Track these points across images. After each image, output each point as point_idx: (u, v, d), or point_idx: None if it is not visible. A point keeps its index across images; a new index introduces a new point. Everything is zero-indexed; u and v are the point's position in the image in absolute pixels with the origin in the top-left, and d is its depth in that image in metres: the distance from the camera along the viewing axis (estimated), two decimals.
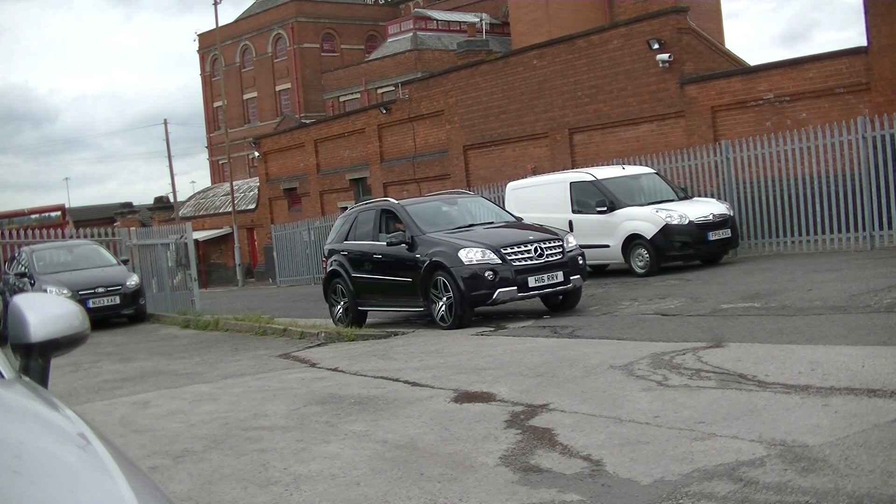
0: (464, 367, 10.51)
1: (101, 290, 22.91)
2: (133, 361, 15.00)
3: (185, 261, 24.03)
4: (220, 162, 79.31)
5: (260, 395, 10.24)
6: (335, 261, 17.99)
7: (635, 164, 23.49)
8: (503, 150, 33.82)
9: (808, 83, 24.69)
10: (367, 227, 17.48)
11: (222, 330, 18.73)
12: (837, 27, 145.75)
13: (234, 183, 56.21)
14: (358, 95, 69.37)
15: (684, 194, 21.16)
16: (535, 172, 28.95)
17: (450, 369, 10.49)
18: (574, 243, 15.75)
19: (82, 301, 21.36)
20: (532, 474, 5.88)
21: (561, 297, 15.77)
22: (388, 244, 16.38)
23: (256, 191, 54.48)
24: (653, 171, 22.24)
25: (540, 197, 22.25)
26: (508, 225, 16.63)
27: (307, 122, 54.62)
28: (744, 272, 16.99)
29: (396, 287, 16.37)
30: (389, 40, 71.59)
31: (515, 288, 14.71)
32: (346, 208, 38.24)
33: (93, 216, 62.95)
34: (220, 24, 61.24)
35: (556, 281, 15.05)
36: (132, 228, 30.52)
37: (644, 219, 19.80)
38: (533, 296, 15.28)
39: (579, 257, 15.57)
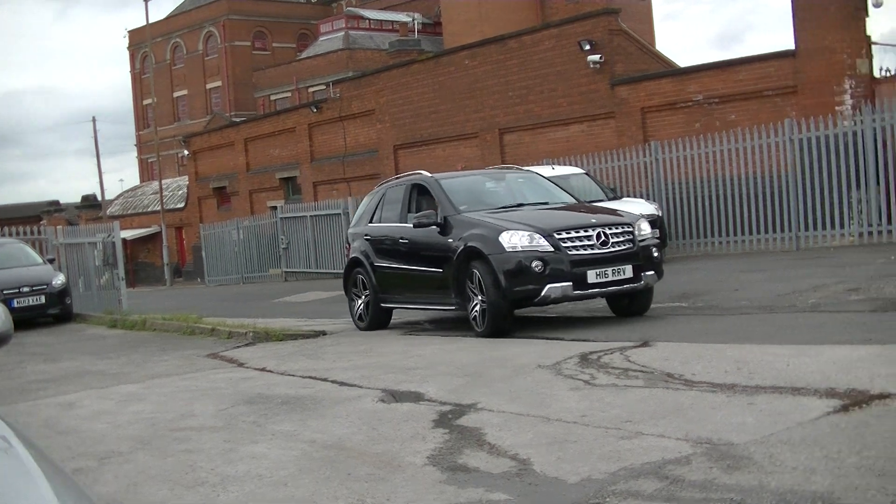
0: (393, 367, 10.48)
1: (25, 289, 22.51)
2: (59, 362, 14.78)
3: (113, 260, 23.75)
4: (150, 160, 78.55)
5: (187, 395, 10.14)
6: (357, 247, 15.44)
7: (565, 165, 23.58)
8: (434, 150, 33.82)
9: (737, 85, 24.96)
10: (395, 207, 14.76)
11: (150, 330, 18.52)
12: (771, 30, 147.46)
13: (164, 181, 55.73)
14: (289, 94, 69.17)
15: (613, 195, 21.26)
16: None
17: (379, 369, 10.45)
18: (648, 231, 12.72)
19: (6, 301, 21.00)
20: (460, 474, 5.87)
21: (628, 298, 12.84)
22: (416, 225, 13.50)
23: (186, 189, 54.10)
24: (583, 171, 22.33)
25: None
26: (567, 207, 13.70)
27: (238, 120, 54.35)
28: (672, 272, 17.12)
29: (425, 279, 13.64)
30: (321, 39, 71.41)
31: (571, 284, 11.79)
32: (275, 208, 38.26)
33: (19, 214, 62.05)
34: (150, 21, 60.70)
35: (623, 277, 12.05)
36: (59, 227, 30.18)
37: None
38: (593, 294, 12.30)
39: (654, 248, 12.57)
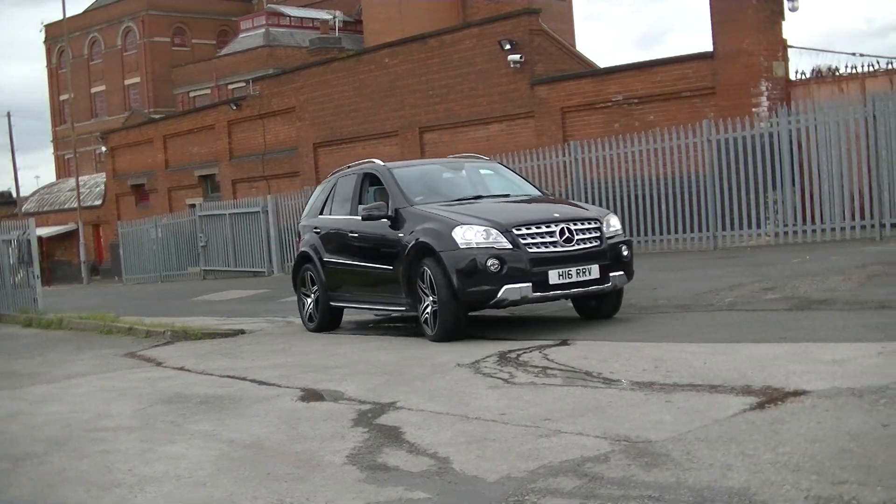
0: (312, 366, 10.44)
1: None
2: None
3: (28, 258, 23.35)
4: (66, 157, 77.50)
5: (105, 396, 10.02)
6: (306, 241, 14.48)
7: None
8: (353, 148, 33.67)
9: (656, 86, 25.16)
10: (346, 198, 13.76)
11: (66, 329, 18.26)
12: (691, 32, 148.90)
13: (81, 178, 55.06)
14: (209, 91, 68.63)
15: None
16: None
17: (298, 368, 10.40)
18: (617, 226, 11.86)
19: None
20: (379, 473, 5.86)
21: (595, 300, 11.86)
22: (365, 218, 12.55)
23: (103, 187, 53.51)
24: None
25: None
26: (529, 200, 12.86)
27: (156, 117, 53.89)
28: None
29: (375, 277, 12.67)
30: (241, 36, 70.93)
31: (530, 285, 10.77)
32: (194, 206, 37.94)
33: None
34: (68, 16, 59.89)
35: (588, 277, 11.04)
36: None
37: None
38: (555, 297, 11.23)
39: (623, 246, 11.61)
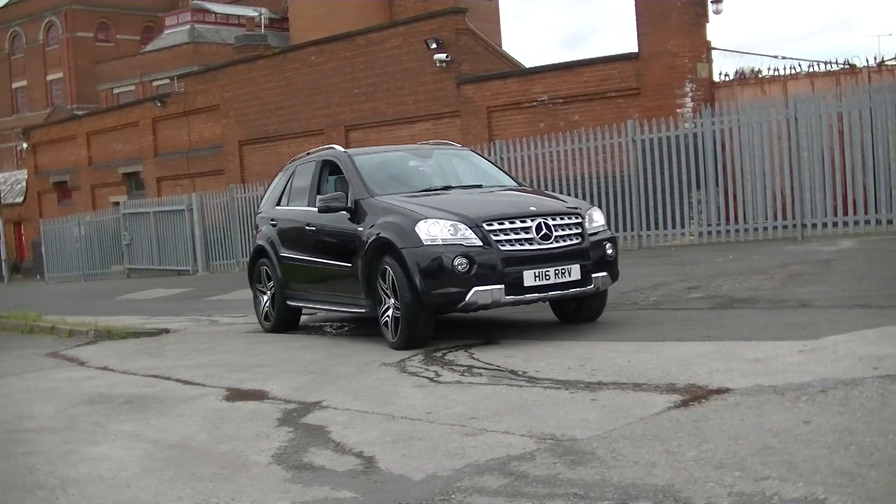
0: (237, 365, 10.38)
1: None
2: None
3: None
4: None
5: (26, 396, 9.88)
6: (263, 234, 13.57)
7: None
8: (279, 146, 33.51)
9: (581, 86, 25.30)
10: (304, 187, 12.76)
11: None
12: (617, 33, 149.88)
13: (1, 175, 54.23)
14: (133, 88, 68.02)
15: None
16: None
17: (223, 367, 10.34)
18: (601, 222, 10.79)
19: None
20: (305, 472, 5.83)
21: (576, 303, 10.90)
22: (321, 210, 11.46)
23: (24, 184, 52.73)
24: None
25: None
26: (504, 191, 11.75)
27: (80, 113, 53.15)
28: None
29: (333, 275, 11.71)
30: (166, 32, 70.39)
31: (503, 287, 9.71)
32: (118, 203, 37.56)
33: None
34: None
35: (568, 279, 9.98)
36: None
37: None
38: (531, 300, 10.11)
39: (607, 244, 10.52)
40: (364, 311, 11.14)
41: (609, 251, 10.49)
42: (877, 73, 21.17)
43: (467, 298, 9.73)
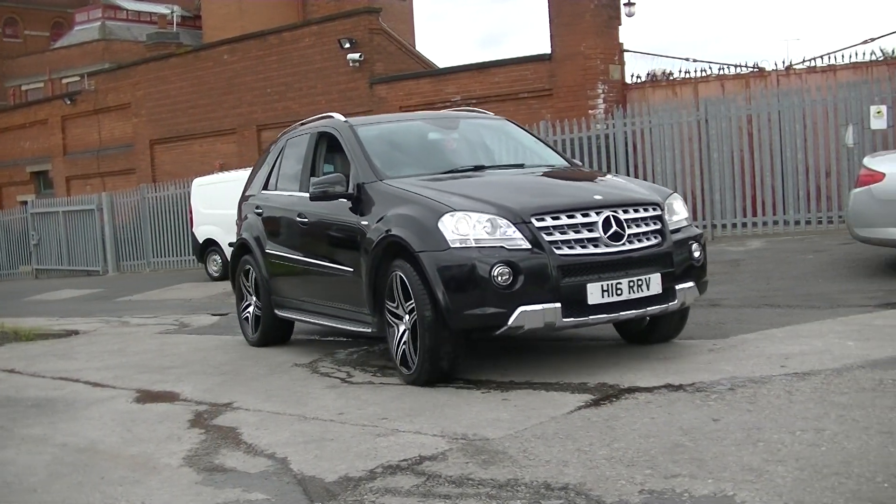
0: (148, 367, 10.26)
1: None
2: None
3: None
4: None
5: None
6: (247, 224, 11.27)
7: None
8: (191, 146, 33.26)
9: (494, 87, 25.39)
10: (296, 167, 10.37)
11: None
12: (533, 34, 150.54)
13: None
14: (42, 84, 66.86)
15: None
16: (222, 169, 28.58)
17: (133, 369, 10.21)
18: (684, 214, 8.32)
19: None
20: (217, 474, 5.78)
21: (649, 319, 8.29)
22: (314, 197, 8.97)
23: None
24: None
25: (227, 194, 21.96)
26: (555, 173, 9.13)
27: None
28: None
29: (330, 282, 9.31)
30: (76, 28, 69.34)
31: (559, 306, 7.21)
32: (26, 202, 36.98)
33: None
34: None
35: (645, 293, 7.52)
36: None
37: None
38: (596, 321, 7.54)
39: (694, 244, 8.03)
40: (370, 329, 8.55)
41: (696, 254, 8.03)
42: (785, 77, 21.51)
43: (510, 321, 7.18)
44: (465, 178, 8.67)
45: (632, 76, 23.72)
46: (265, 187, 11.15)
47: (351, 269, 8.72)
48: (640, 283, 7.50)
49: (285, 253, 10.24)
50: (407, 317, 7.78)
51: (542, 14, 24.22)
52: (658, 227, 7.81)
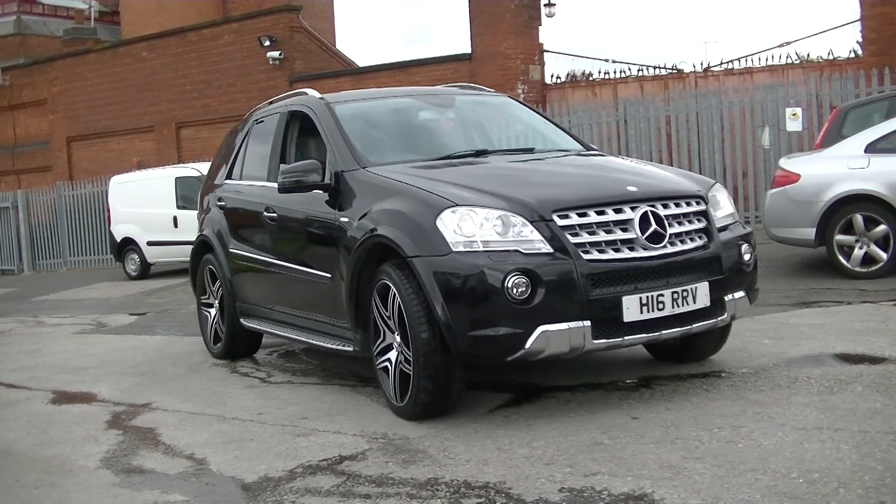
0: (64, 367, 10.13)
1: None
2: None
3: None
4: None
5: None
6: (209, 219, 9.85)
7: None
8: (109, 143, 32.89)
9: (415, 86, 25.38)
10: (265, 152, 8.90)
11: None
12: (455, 33, 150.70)
13: None
14: None
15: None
16: (140, 167, 28.31)
17: (49, 369, 10.07)
18: (730, 208, 6.95)
19: None
20: (135, 476, 5.73)
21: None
22: (284, 188, 7.50)
23: None
24: None
25: (145, 192, 21.82)
26: (571, 159, 7.67)
27: None
28: None
29: (303, 289, 7.90)
30: None
31: (588, 324, 5.84)
32: None
33: None
34: None
35: (691, 307, 6.17)
36: None
37: None
38: (633, 342, 6.17)
39: (743, 245, 6.66)
40: (351, 348, 7.12)
41: (747, 256, 6.67)
42: (703, 79, 21.74)
43: (528, 344, 5.75)
44: (467, 165, 7.32)
45: (552, 76, 23.86)
46: (229, 176, 9.73)
47: (328, 275, 7.28)
48: (685, 294, 6.13)
49: (251, 253, 8.81)
50: (398, 337, 6.38)
51: (463, 14, 24.27)
52: (703, 224, 6.51)
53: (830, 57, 21.08)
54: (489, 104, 9.02)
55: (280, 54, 28.12)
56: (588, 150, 8.23)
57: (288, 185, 7.46)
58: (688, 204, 6.50)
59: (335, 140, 7.60)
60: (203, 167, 21.24)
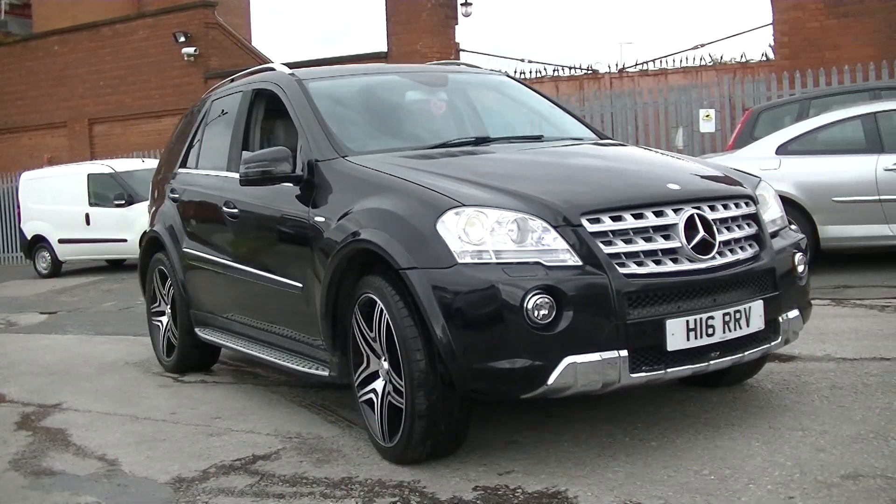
0: None
1: None
2: None
3: None
4: None
5: None
6: (161, 213, 8.66)
7: (157, 158, 23.22)
8: (19, 139, 32.41)
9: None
10: (225, 137, 7.71)
11: None
12: (372, 31, 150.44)
13: None
14: None
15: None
16: (51, 163, 27.93)
17: None
18: (779, 210, 5.86)
19: None
20: (45, 477, 5.64)
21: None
22: (246, 180, 6.22)
23: None
24: None
25: (56, 189, 21.53)
26: (591, 149, 6.51)
27: None
28: None
29: (268, 300, 6.77)
30: None
31: (625, 353, 4.69)
32: None
33: None
34: None
35: (744, 330, 5.06)
36: None
37: None
38: (677, 374, 4.94)
39: (797, 254, 5.59)
40: (327, 373, 5.88)
41: (800, 268, 5.61)
42: (618, 79, 21.97)
43: (552, 380, 4.67)
44: (469, 155, 6.18)
45: None
46: (184, 164, 8.57)
47: (299, 285, 6.11)
48: (737, 315, 5.03)
49: (208, 255, 7.66)
50: (386, 363, 5.24)
51: (380, 12, 24.30)
52: (754, 230, 5.41)
53: (743, 60, 21.42)
54: (486, 84, 7.85)
55: (195, 50, 27.95)
56: (602, 138, 7.13)
57: (251, 177, 6.19)
58: (737, 206, 5.38)
59: (309, 123, 6.39)
60: (117, 164, 21.09)
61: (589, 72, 22.75)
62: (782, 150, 11.36)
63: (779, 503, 4.26)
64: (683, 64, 22.08)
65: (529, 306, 4.57)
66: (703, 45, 26.93)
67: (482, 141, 6.49)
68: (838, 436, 5.08)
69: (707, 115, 18.19)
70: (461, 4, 24.95)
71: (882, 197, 10.81)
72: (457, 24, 24.20)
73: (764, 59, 21.43)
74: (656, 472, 4.73)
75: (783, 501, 4.27)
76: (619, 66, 22.59)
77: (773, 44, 20.75)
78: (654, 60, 22.44)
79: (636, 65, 22.90)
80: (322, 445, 5.68)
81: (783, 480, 4.49)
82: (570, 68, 23.73)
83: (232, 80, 8.23)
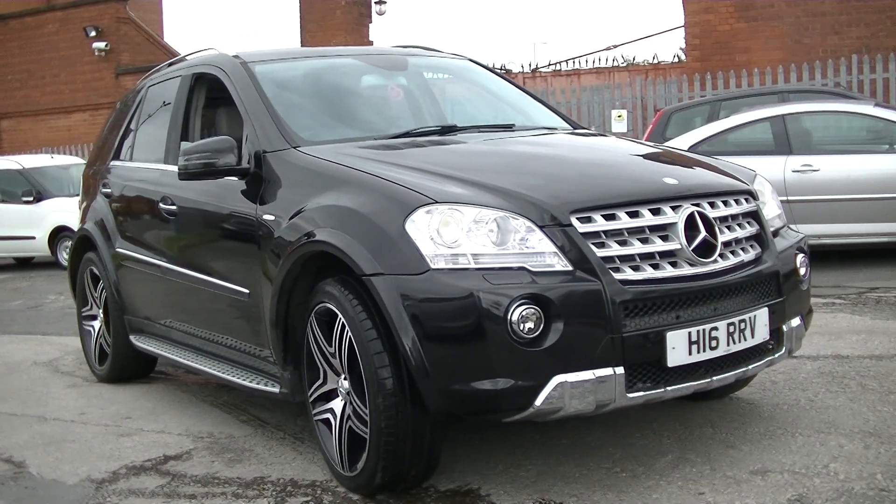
0: None
1: None
2: None
3: None
4: None
5: None
6: (93, 211, 7.96)
7: (66, 155, 22.93)
8: None
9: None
10: (162, 126, 6.99)
11: None
12: (287, 28, 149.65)
13: None
14: None
15: None
16: None
17: None
18: (777, 206, 5.34)
19: None
20: None
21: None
22: (186, 173, 5.53)
23: None
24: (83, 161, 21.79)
25: None
26: (572, 140, 6.05)
27: None
28: None
29: (210, 307, 6.11)
30: None
31: (622, 371, 4.14)
32: None
33: None
34: None
35: (749, 343, 4.56)
36: None
37: (72, 210, 19.35)
38: (679, 393, 4.43)
39: (799, 255, 5.08)
40: (277, 389, 5.26)
41: (802, 270, 5.12)
42: (531, 79, 22.07)
43: (539, 401, 4.12)
44: (437, 146, 5.57)
45: None
46: (117, 157, 7.87)
47: (245, 290, 5.49)
48: (741, 325, 4.53)
49: (144, 256, 6.98)
50: (346, 381, 4.68)
51: (294, 10, 24.17)
52: (756, 229, 4.94)
53: (655, 61, 21.66)
54: (448, 68, 7.30)
55: (106, 45, 27.66)
56: (576, 127, 6.58)
57: (192, 170, 5.52)
58: (737, 202, 4.89)
59: (255, 111, 5.75)
60: (24, 160, 20.71)
61: (502, 71, 22.84)
62: (693, 150, 11.47)
63: (690, 499, 4.31)
64: (596, 64, 22.27)
65: (514, 318, 4.03)
66: (615, 46, 27.18)
67: (449, 130, 5.88)
68: (747, 433, 5.15)
69: (619, 116, 18.37)
70: (375, 3, 24.97)
71: (790, 198, 10.98)
72: (371, 22, 24.23)
73: (675, 60, 21.69)
74: (569, 469, 4.77)
75: (694, 497, 4.32)
76: (533, 66, 22.71)
77: (684, 46, 21.02)
78: (567, 61, 22.62)
79: (549, 65, 23.06)
80: (234, 445, 5.65)
81: (693, 476, 4.56)
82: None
83: (170, 65, 7.48)
